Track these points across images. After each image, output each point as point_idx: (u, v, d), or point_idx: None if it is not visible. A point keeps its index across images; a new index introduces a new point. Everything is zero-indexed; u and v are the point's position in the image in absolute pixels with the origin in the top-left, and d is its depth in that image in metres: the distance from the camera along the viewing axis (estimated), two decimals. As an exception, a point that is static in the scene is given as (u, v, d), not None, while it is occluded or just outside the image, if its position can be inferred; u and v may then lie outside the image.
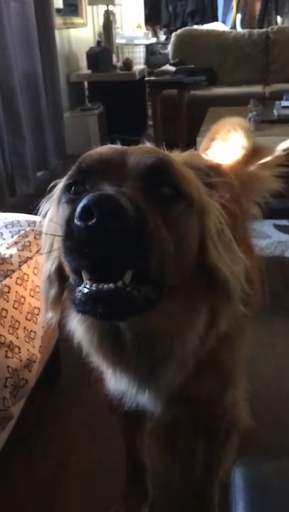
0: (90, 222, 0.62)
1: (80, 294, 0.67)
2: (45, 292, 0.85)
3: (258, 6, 6.97)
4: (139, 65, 5.27)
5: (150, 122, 4.92)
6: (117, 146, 0.81)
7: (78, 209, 0.63)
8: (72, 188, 0.76)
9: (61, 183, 0.81)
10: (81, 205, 0.63)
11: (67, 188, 0.77)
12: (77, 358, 1.12)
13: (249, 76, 5.19)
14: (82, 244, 0.64)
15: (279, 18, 6.97)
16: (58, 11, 4.27)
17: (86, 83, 4.94)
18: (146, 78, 4.99)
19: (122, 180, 0.70)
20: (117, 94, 4.78)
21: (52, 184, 0.88)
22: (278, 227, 3.25)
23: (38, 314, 1.41)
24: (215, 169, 0.97)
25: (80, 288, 0.67)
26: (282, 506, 0.78)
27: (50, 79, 3.72)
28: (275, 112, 3.83)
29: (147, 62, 5.87)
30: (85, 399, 1.77)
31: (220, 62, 5.21)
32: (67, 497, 1.47)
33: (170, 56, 5.42)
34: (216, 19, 7.00)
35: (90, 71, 4.72)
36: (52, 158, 3.68)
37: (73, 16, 4.77)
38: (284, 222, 3.31)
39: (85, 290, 0.66)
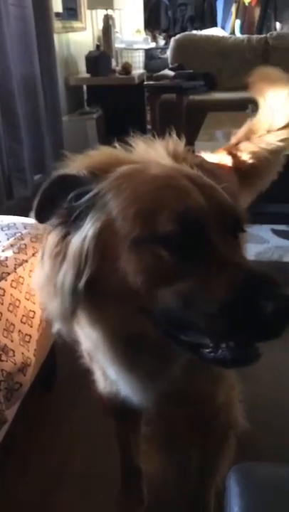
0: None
1: (232, 353, 0.76)
2: (64, 305, 0.81)
3: (257, 12, 7.00)
4: (138, 70, 5.28)
5: (149, 126, 4.92)
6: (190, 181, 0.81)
7: (274, 308, 0.70)
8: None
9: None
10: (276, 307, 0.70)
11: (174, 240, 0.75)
12: (73, 362, 1.12)
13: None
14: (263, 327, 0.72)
15: (278, 25, 6.99)
16: (57, 15, 4.28)
17: (85, 87, 4.95)
18: (146, 82, 4.99)
19: (225, 234, 0.78)
20: (115, 99, 4.78)
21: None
22: (276, 232, 3.26)
23: (33, 317, 1.41)
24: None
25: (227, 349, 0.76)
26: (277, 512, 0.77)
27: (48, 82, 3.72)
28: (273, 117, 3.83)
29: (146, 66, 5.88)
30: (81, 403, 1.76)
31: (219, 68, 5.22)
32: (63, 503, 1.45)
33: (169, 61, 5.43)
34: (215, 24, 7.03)
35: (88, 75, 4.72)
36: (50, 162, 3.67)
37: (72, 20, 4.78)
38: (282, 227, 3.31)
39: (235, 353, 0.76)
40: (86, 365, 1.11)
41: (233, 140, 1.67)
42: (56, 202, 0.82)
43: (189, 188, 0.78)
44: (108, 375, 1.02)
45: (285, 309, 0.70)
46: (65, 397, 1.83)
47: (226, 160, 1.60)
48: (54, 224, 0.83)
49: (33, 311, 1.42)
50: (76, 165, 0.85)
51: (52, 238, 0.82)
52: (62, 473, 1.54)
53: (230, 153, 1.62)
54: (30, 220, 1.60)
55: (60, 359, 1.83)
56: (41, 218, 0.84)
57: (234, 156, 1.61)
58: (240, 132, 1.65)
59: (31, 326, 1.40)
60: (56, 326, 0.90)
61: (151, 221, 0.75)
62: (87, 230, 0.79)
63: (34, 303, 1.42)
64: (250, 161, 1.60)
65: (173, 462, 1.56)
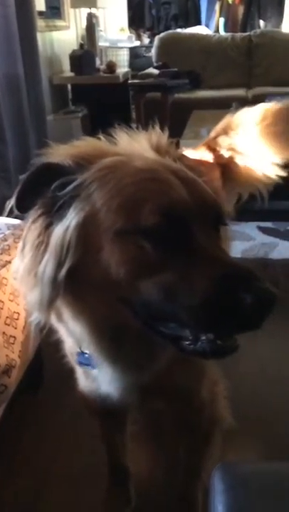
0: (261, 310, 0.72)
1: (209, 345, 0.77)
2: (43, 295, 0.81)
3: (240, 10, 7.03)
4: (123, 68, 5.27)
5: (134, 125, 4.91)
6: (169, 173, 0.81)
7: (253, 300, 0.71)
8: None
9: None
10: (256, 299, 0.71)
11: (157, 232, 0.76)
12: (60, 363, 1.12)
13: (232, 79, 5.22)
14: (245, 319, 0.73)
15: (262, 22, 7.03)
16: (41, 13, 4.25)
17: (69, 86, 4.93)
18: (130, 81, 4.98)
19: (207, 229, 0.79)
20: (100, 97, 4.76)
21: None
22: (262, 230, 3.27)
23: (17, 319, 1.40)
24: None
25: (206, 341, 0.77)
26: (261, 510, 0.77)
27: (32, 81, 3.69)
28: (257, 114, 3.85)
29: (131, 65, 5.87)
30: (67, 405, 1.74)
31: (203, 66, 5.23)
32: (50, 504, 1.45)
33: (154, 59, 5.43)
34: (199, 23, 7.03)
35: (73, 74, 4.70)
36: (37, 160, 3.65)
37: (56, 19, 4.75)
38: (268, 224, 3.33)
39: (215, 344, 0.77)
40: (70, 364, 1.11)
41: (212, 134, 1.67)
42: (39, 191, 0.82)
43: (172, 181, 0.79)
44: (89, 373, 1.02)
45: (264, 301, 0.71)
46: (51, 398, 1.82)
47: (207, 157, 1.60)
48: (36, 214, 0.82)
49: (18, 313, 1.41)
50: (60, 154, 0.85)
51: (34, 228, 0.82)
52: (49, 474, 1.53)
53: (209, 148, 1.63)
54: (14, 221, 1.59)
55: (47, 360, 1.82)
56: (22, 207, 0.83)
57: (214, 151, 1.61)
58: (219, 126, 1.66)
59: (15, 328, 1.39)
60: (34, 316, 0.89)
61: (135, 213, 0.76)
62: (71, 220, 0.79)
63: (18, 304, 1.41)
64: (229, 155, 1.61)
65: (160, 461, 1.56)
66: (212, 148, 1.62)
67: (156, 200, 0.76)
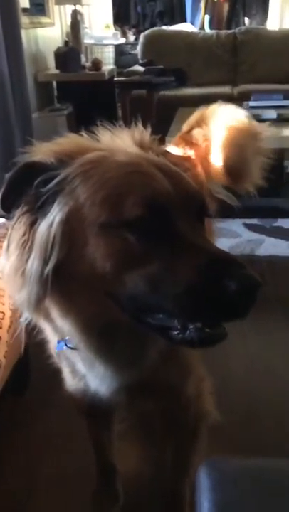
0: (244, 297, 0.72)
1: (199, 334, 0.77)
2: (31, 293, 0.81)
3: (225, 8, 7.03)
4: (108, 66, 5.24)
5: (120, 123, 4.90)
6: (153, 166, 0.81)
7: (237, 287, 0.71)
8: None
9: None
10: (240, 287, 0.71)
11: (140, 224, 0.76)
12: (47, 364, 1.11)
13: (218, 77, 5.23)
14: (229, 307, 0.73)
15: (247, 20, 7.05)
16: (25, 10, 4.21)
17: (55, 83, 4.89)
18: (116, 79, 4.97)
19: (190, 219, 0.80)
20: (86, 95, 4.73)
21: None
22: (248, 226, 3.29)
23: (2, 319, 1.38)
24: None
25: (194, 330, 0.76)
26: (247, 507, 0.78)
27: (17, 79, 3.65)
28: (243, 111, 3.86)
29: (117, 62, 5.85)
30: (55, 406, 1.73)
31: (189, 63, 5.23)
32: (38, 504, 1.44)
33: (139, 56, 5.42)
34: (184, 20, 7.02)
35: (58, 71, 4.67)
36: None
37: (40, 16, 4.71)
38: (254, 221, 3.35)
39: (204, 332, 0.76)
40: (55, 364, 1.11)
41: (185, 128, 1.68)
42: (23, 190, 0.81)
43: (155, 173, 0.79)
44: (77, 371, 1.02)
45: (248, 288, 0.72)
46: (38, 398, 1.81)
47: (189, 153, 1.60)
48: (20, 212, 0.82)
49: (3, 313, 1.39)
50: (43, 151, 0.84)
51: (18, 227, 0.81)
52: (37, 474, 1.53)
53: (188, 143, 1.63)
54: (-1, 220, 1.58)
55: (33, 360, 1.81)
56: (6, 207, 0.83)
57: (193, 146, 1.61)
58: (192, 120, 1.66)
59: (1, 328, 1.38)
60: (24, 316, 0.89)
61: (118, 206, 0.76)
62: (54, 215, 0.78)
63: (3, 304, 1.40)
64: (206, 145, 1.61)
65: (147, 458, 1.56)
66: (191, 143, 1.63)
67: (139, 192, 0.76)
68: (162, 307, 0.76)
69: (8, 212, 0.84)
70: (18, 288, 0.82)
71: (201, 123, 1.63)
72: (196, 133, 1.62)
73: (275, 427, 1.66)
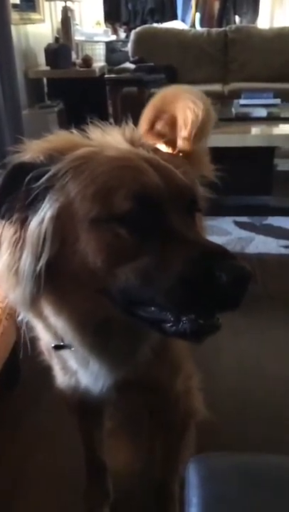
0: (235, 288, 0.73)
1: (192, 325, 0.77)
2: (25, 291, 0.81)
3: (216, 5, 7.03)
4: (99, 63, 5.23)
5: (111, 120, 4.89)
6: (144, 161, 0.82)
7: (228, 278, 0.71)
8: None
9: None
10: (231, 277, 0.72)
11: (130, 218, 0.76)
12: (37, 361, 1.11)
13: (209, 74, 5.23)
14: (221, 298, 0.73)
15: (237, 18, 7.06)
16: (15, 6, 4.18)
17: (45, 80, 4.87)
18: (106, 76, 4.95)
19: (181, 213, 0.80)
20: (77, 92, 4.72)
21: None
22: (238, 224, 3.30)
23: (-8, 316, 1.38)
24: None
25: (188, 322, 0.77)
26: (236, 503, 0.78)
27: (6, 75, 3.63)
28: (233, 110, 3.89)
29: (107, 59, 5.82)
30: (44, 403, 1.73)
31: (179, 61, 5.23)
32: (28, 501, 1.44)
33: (130, 54, 5.41)
34: (175, 17, 7.02)
35: (48, 68, 4.65)
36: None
37: (30, 12, 4.67)
38: (244, 219, 3.36)
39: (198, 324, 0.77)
40: (46, 361, 1.11)
41: (144, 126, 1.67)
42: (15, 193, 0.81)
43: (145, 168, 0.80)
44: (68, 368, 1.02)
45: (239, 279, 0.72)
46: (28, 395, 1.80)
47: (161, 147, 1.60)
48: (12, 210, 0.81)
49: (-8, 310, 1.39)
50: (34, 149, 0.84)
51: (10, 226, 0.81)
52: (26, 471, 1.53)
53: (152, 136, 1.62)
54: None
55: (24, 357, 1.80)
56: (1, 215, 0.82)
57: (171, 144, 1.61)
58: (148, 113, 1.67)
59: (-10, 325, 1.37)
60: (21, 315, 0.90)
61: (109, 200, 0.76)
62: (45, 211, 0.79)
63: (-7, 301, 1.39)
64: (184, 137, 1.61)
65: (137, 455, 1.57)
66: (159, 135, 1.63)
67: (130, 186, 0.77)
68: (154, 300, 0.77)
69: (2, 218, 0.83)
70: (12, 287, 0.82)
71: (159, 114, 1.63)
72: (161, 126, 1.62)
73: (264, 423, 1.67)
